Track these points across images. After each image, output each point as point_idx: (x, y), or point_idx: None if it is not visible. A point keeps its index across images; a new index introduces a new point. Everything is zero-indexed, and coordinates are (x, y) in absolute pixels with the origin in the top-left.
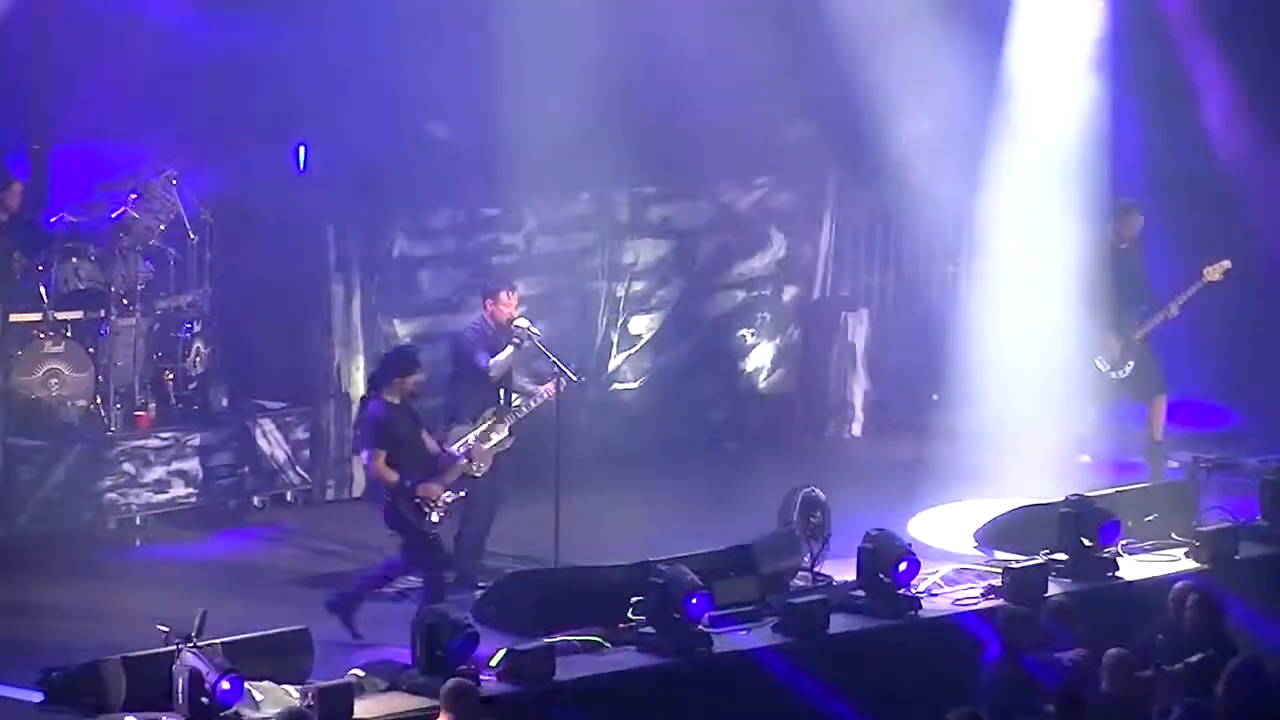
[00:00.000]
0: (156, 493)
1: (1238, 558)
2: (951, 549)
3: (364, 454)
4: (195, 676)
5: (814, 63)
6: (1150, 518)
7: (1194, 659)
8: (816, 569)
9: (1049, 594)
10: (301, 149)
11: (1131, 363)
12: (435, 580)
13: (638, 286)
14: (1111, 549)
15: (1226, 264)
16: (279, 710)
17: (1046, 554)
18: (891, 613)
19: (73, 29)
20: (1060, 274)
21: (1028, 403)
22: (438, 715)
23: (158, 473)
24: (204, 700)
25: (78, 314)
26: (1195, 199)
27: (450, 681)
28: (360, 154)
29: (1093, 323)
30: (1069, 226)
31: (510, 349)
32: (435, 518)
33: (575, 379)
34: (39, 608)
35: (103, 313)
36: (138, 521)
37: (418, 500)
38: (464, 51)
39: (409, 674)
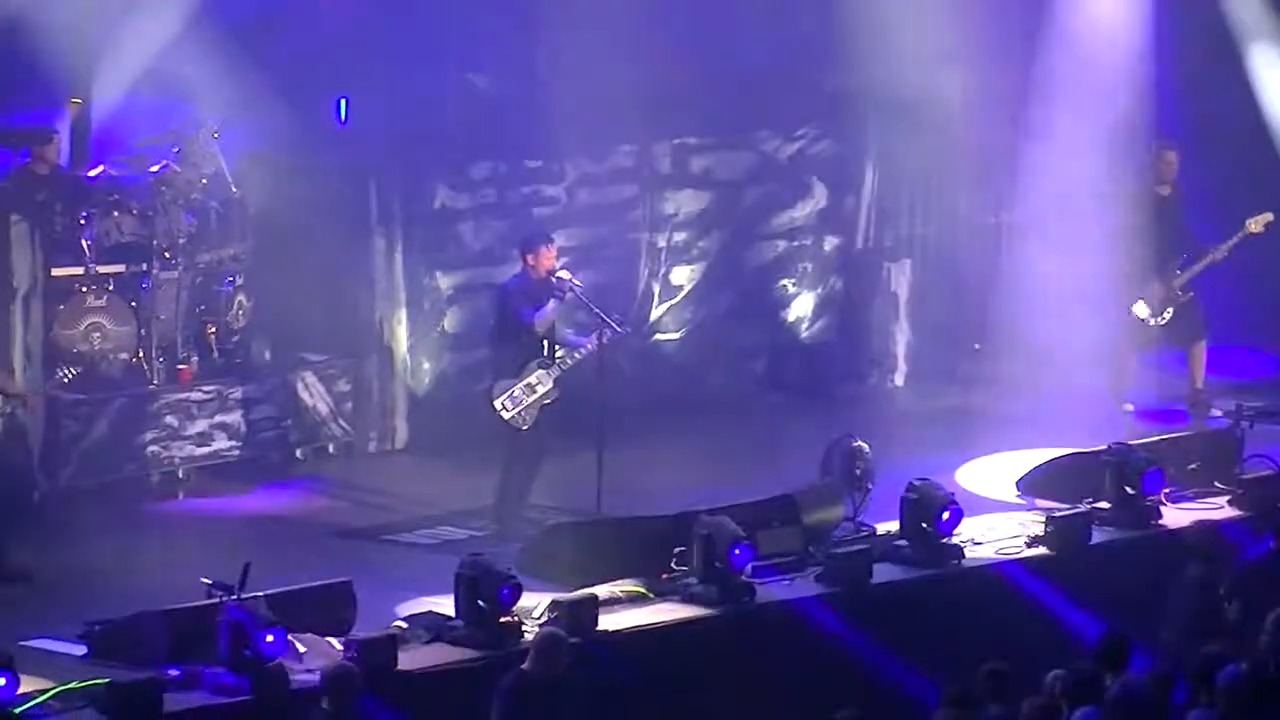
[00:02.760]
0: (199, 446)
1: None
2: (994, 498)
3: None
4: (239, 629)
5: (855, 11)
6: (1193, 466)
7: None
8: (859, 519)
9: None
10: (342, 102)
11: (1171, 309)
12: None
13: (679, 237)
14: (1155, 497)
15: (1269, 216)
16: (325, 663)
17: (1089, 502)
18: (934, 562)
19: None
20: (1102, 222)
21: (1070, 351)
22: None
23: (200, 426)
24: (247, 653)
25: (120, 268)
26: (1241, 148)
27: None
28: (401, 106)
29: (1134, 270)
30: (1112, 174)
31: (553, 302)
32: None
33: (619, 330)
34: (82, 561)
35: (145, 266)
36: (180, 475)
37: None
38: (504, 2)
39: (452, 625)
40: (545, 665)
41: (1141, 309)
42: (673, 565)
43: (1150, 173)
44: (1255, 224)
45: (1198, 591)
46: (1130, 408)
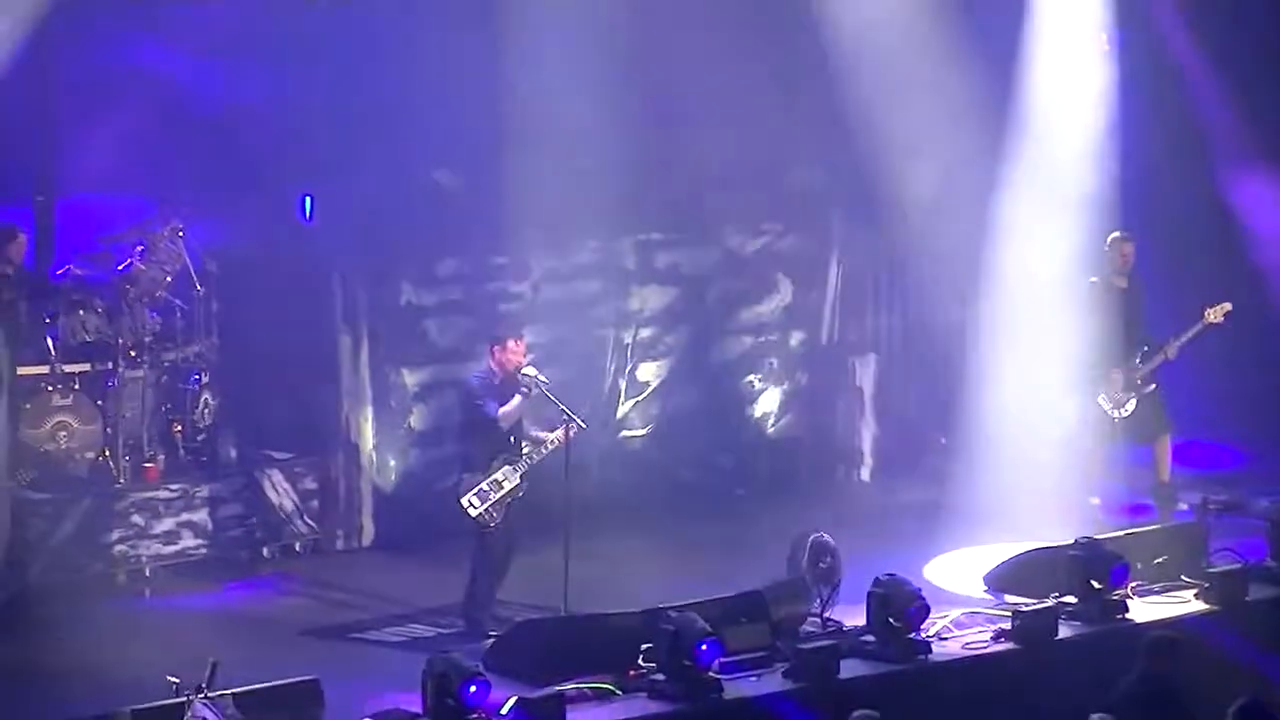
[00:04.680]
0: (166, 544)
1: (1247, 599)
2: (961, 593)
3: None
4: None
5: (819, 107)
6: (1160, 560)
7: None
8: (827, 614)
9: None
10: (307, 199)
11: (1133, 402)
12: None
13: (645, 333)
14: (1121, 591)
15: (1228, 306)
16: None
17: (1056, 597)
18: (902, 657)
19: (77, 82)
20: (1066, 316)
21: (1036, 445)
22: None
23: (167, 524)
24: None
25: (85, 366)
26: (1204, 240)
27: None
28: (366, 203)
29: (1096, 362)
30: (1076, 266)
31: (519, 398)
32: None
33: (584, 426)
34: (49, 660)
35: (110, 365)
36: (147, 573)
37: None
38: (470, 100)
39: None
40: None
41: (1104, 400)
42: (640, 662)
43: (1109, 264)
44: (1214, 314)
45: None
46: (1097, 501)
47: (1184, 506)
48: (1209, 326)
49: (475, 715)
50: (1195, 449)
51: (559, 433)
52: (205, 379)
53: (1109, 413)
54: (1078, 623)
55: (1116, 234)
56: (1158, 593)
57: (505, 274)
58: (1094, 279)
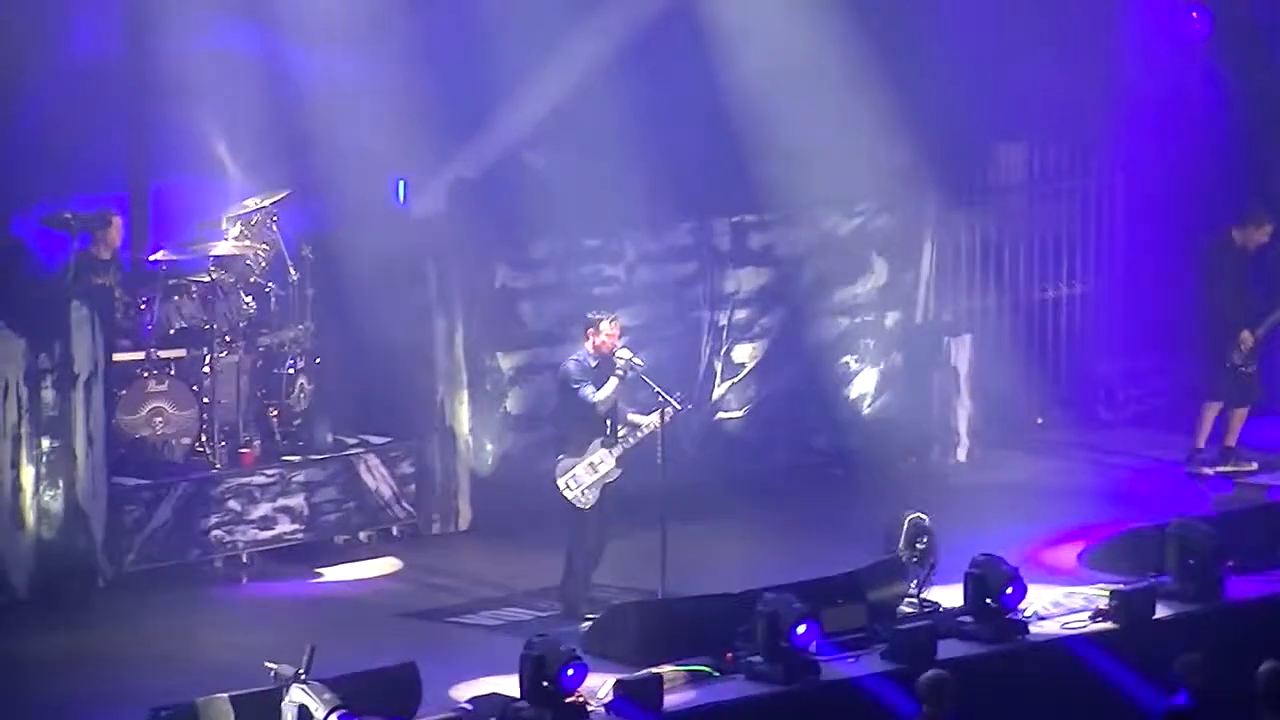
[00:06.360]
0: (262, 529)
1: None
2: (1059, 572)
3: None
4: (304, 713)
5: (913, 85)
6: (1257, 538)
7: None
8: (923, 595)
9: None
10: (401, 183)
11: (1255, 364)
12: None
13: (740, 315)
14: (1219, 570)
15: None
16: None
17: (1154, 576)
18: (999, 638)
19: (172, 65)
20: (1160, 293)
21: (1131, 422)
22: None
23: (263, 509)
24: None
25: (180, 352)
26: None
27: None
28: (460, 186)
29: (1220, 324)
30: (1175, 239)
31: (614, 381)
32: None
33: (680, 408)
34: (146, 646)
35: (205, 350)
36: (244, 559)
37: None
38: (560, 82)
39: (517, 706)
40: None
41: (1237, 355)
42: (737, 644)
43: (1243, 236)
44: None
45: None
46: (1209, 472)
47: (1254, 466)
48: None
49: (573, 698)
50: None
51: (654, 417)
52: (300, 364)
53: (1239, 369)
54: (1175, 602)
55: (1259, 215)
56: (1255, 572)
57: (599, 256)
58: (1227, 241)
